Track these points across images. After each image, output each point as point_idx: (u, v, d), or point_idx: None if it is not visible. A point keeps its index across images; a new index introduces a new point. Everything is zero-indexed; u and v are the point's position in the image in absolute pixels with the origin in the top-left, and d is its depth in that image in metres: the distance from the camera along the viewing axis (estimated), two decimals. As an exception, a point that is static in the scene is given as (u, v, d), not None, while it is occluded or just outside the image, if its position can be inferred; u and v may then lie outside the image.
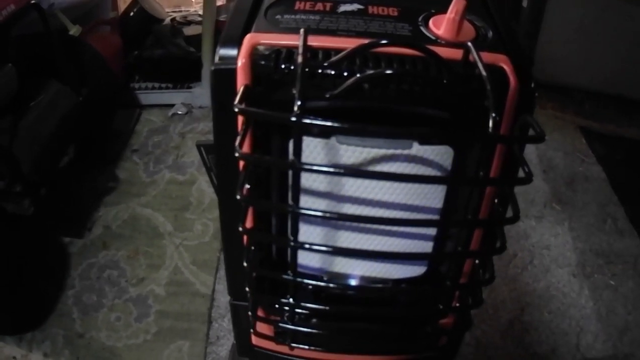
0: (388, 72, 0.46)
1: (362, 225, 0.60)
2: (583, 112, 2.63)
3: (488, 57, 0.52)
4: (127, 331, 1.62)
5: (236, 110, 0.46)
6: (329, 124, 0.42)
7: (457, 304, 0.64)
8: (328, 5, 0.60)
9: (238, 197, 0.48)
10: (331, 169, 0.47)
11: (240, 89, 0.50)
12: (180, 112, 2.52)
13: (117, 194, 2.08)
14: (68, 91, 1.90)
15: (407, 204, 0.58)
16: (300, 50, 0.47)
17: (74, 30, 2.07)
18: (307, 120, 0.42)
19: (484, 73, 0.49)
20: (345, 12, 0.58)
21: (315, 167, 0.45)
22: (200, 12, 2.92)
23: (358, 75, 0.46)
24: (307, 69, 0.47)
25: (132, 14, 2.66)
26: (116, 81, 2.38)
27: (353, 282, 0.66)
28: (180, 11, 3.08)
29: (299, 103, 0.44)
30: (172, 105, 2.55)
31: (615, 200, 2.13)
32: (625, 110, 2.61)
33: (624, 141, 2.48)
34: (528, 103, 0.54)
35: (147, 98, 2.57)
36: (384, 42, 0.48)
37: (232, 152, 0.55)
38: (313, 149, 0.54)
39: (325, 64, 0.48)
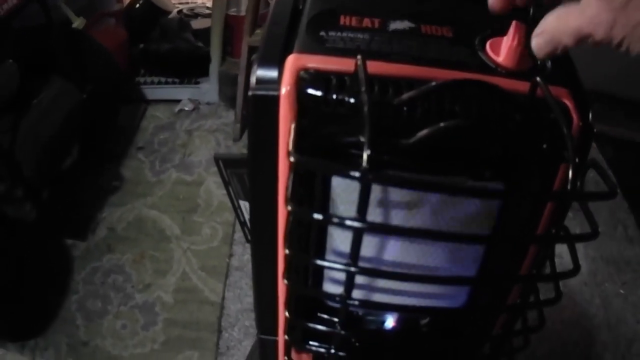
0: (465, 124, 0.42)
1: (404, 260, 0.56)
2: (593, 114, 2.59)
3: (551, 91, 0.47)
4: (134, 339, 1.58)
5: (291, 160, 0.40)
6: (405, 179, 0.37)
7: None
8: (376, 21, 0.54)
9: (287, 251, 0.44)
10: (398, 229, 0.42)
11: (291, 128, 0.44)
12: (187, 109, 2.47)
13: (122, 194, 2.03)
14: (71, 88, 1.84)
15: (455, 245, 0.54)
16: (363, 84, 0.42)
17: (78, 22, 2.02)
18: (379, 176, 0.37)
19: (559, 118, 0.44)
20: (396, 32, 0.53)
21: (381, 227, 0.41)
22: (208, 4, 2.88)
23: (434, 127, 0.41)
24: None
25: (137, 5, 2.61)
26: (121, 76, 2.32)
27: (389, 318, 0.62)
28: (187, 3, 3.03)
29: (369, 153, 0.38)
30: (178, 101, 2.50)
31: (626, 207, 2.10)
32: (636, 113, 2.57)
33: (634, 145, 2.44)
34: (587, 143, 0.49)
35: (152, 93, 2.52)
36: (457, 83, 0.43)
37: (270, 191, 0.50)
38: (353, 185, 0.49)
39: (395, 103, 0.43)
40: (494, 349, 0.59)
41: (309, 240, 0.54)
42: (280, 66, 0.47)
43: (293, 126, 0.44)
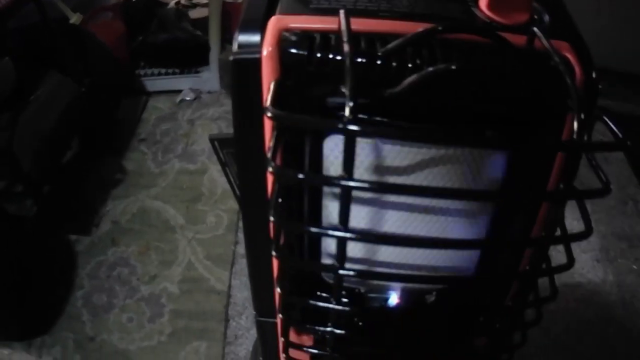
0: (453, 67, 0.38)
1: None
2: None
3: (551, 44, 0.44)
4: (141, 332, 1.56)
5: (269, 115, 0.38)
6: (392, 130, 0.34)
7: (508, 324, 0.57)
8: (365, -21, 0.51)
9: (272, 218, 0.41)
10: (383, 186, 0.39)
11: (270, 86, 0.42)
12: (188, 98, 2.44)
13: (125, 187, 2.01)
14: (69, 82, 1.83)
15: (455, 219, 0.51)
16: (345, 35, 0.39)
17: (75, 18, 2.03)
18: (360, 128, 0.35)
19: (560, 66, 0.41)
20: (385, -11, 0.50)
21: (369, 185, 0.37)
22: (206, -6, 2.85)
23: (422, 72, 0.38)
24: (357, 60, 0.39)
25: (134, -2, 2.59)
26: (120, 69, 2.31)
27: (393, 294, 0.59)
28: (185, -7, 3.01)
29: (351, 104, 0.35)
30: (179, 92, 2.47)
31: (635, 182, 2.06)
32: (640, 88, 2.52)
33: (643, 121, 2.40)
34: (592, 97, 0.46)
35: (153, 85, 2.49)
36: (448, 27, 0.40)
37: (258, 160, 0.48)
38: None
39: (380, 54, 0.40)
40: (506, 322, 0.56)
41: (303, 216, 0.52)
42: (262, 31, 0.45)
43: (273, 83, 0.42)
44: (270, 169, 0.38)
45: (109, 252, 1.78)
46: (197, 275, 1.71)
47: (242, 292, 1.65)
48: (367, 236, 0.42)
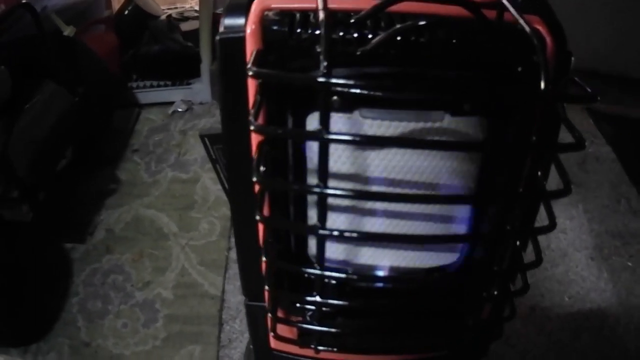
0: (422, 23, 0.40)
1: (389, 209, 0.53)
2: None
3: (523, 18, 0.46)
4: (135, 338, 1.56)
5: (250, 73, 0.40)
6: (361, 86, 0.35)
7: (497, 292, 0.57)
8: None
9: (255, 179, 0.42)
10: (358, 139, 0.40)
11: (252, 53, 0.45)
12: (180, 110, 2.47)
13: (119, 196, 2.03)
14: (63, 91, 1.84)
15: (440, 183, 0.52)
16: (321, 6, 0.42)
17: (68, 31, 2.03)
18: (336, 80, 0.36)
19: (527, 28, 0.43)
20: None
21: (345, 137, 0.39)
22: (196, 8, 2.87)
23: (390, 29, 0.40)
24: (332, 27, 0.40)
25: (126, 12, 2.62)
26: (113, 80, 2.34)
27: (381, 274, 0.59)
28: (176, 8, 3.04)
29: (325, 63, 0.37)
30: (171, 103, 2.50)
31: (627, 181, 2.08)
32: (629, 90, 2.54)
33: (631, 121, 2.42)
34: (565, 65, 0.49)
35: (146, 97, 2.52)
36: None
37: (243, 130, 0.49)
38: (334, 125, 0.47)
39: (352, 21, 0.42)
40: (495, 289, 0.57)
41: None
42: (246, 14, 0.47)
43: (254, 52, 0.44)
44: (252, 127, 0.39)
45: (104, 260, 1.79)
46: (190, 280, 1.72)
47: (236, 297, 1.65)
48: (348, 192, 0.43)
